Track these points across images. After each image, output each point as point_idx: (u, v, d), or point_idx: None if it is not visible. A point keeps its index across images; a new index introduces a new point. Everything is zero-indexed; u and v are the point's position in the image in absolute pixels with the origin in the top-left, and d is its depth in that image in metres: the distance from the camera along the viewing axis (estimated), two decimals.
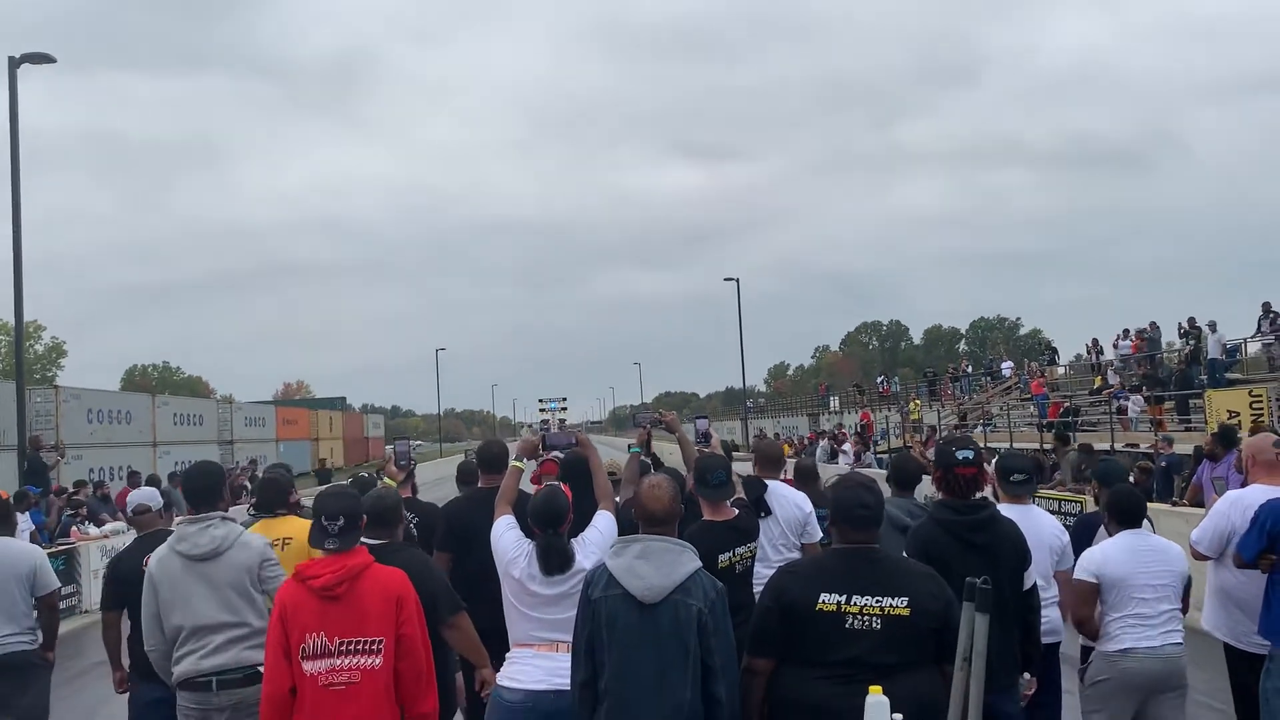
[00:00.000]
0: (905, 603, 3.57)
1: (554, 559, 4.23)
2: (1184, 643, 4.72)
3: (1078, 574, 4.77)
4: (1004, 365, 40.58)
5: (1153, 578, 4.68)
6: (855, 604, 3.57)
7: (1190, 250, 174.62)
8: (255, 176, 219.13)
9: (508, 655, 4.34)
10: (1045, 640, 4.66)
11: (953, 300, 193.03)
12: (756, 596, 5.08)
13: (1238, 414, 17.72)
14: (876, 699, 3.27)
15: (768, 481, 5.77)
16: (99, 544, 14.33)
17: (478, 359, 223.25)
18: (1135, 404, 22.96)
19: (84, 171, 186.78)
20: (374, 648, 3.86)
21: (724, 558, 4.73)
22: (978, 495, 4.48)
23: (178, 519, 4.89)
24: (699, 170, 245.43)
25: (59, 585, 6.06)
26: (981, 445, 24.81)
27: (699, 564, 3.75)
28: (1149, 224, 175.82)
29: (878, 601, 3.56)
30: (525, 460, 4.97)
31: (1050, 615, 4.77)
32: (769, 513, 5.62)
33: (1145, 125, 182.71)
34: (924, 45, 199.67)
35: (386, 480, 5.40)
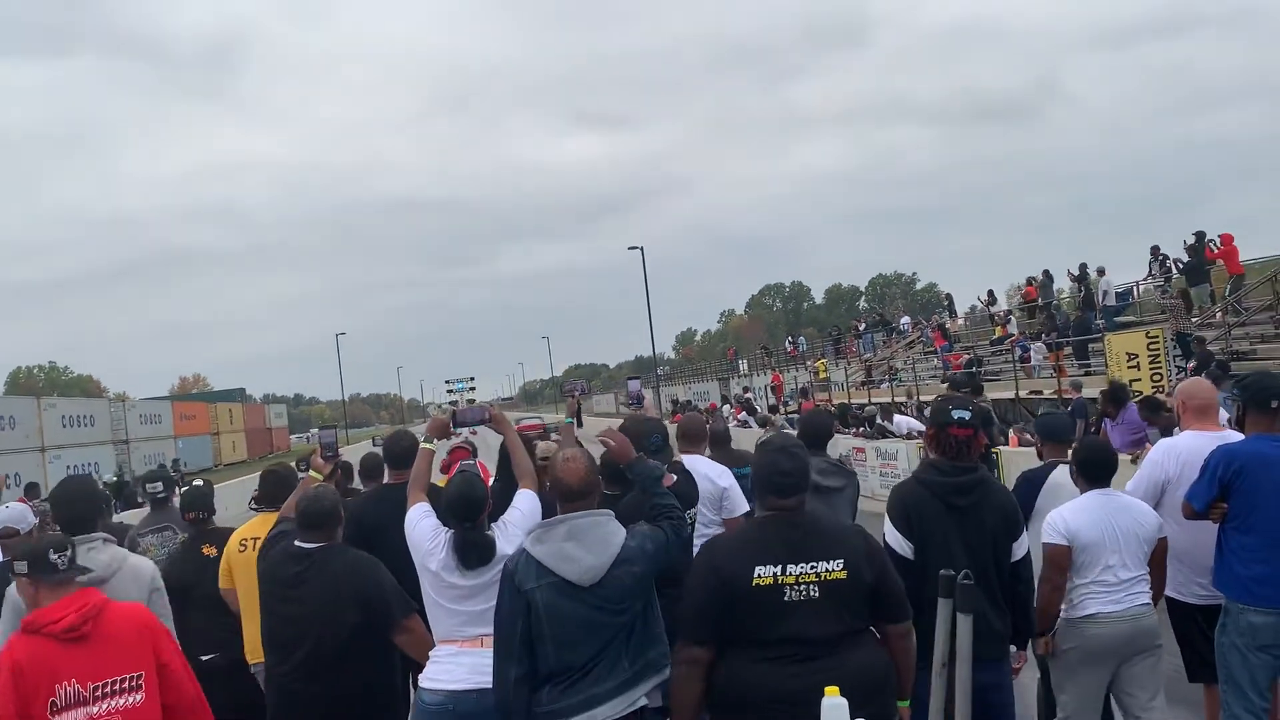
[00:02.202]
0: (841, 565, 3.42)
1: (473, 554, 3.94)
2: (1150, 603, 4.50)
3: (1048, 537, 4.49)
4: (902, 320, 41.13)
5: (1123, 541, 4.43)
6: (790, 573, 3.40)
7: (1079, 196, 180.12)
8: (136, 164, 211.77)
9: (431, 653, 4.07)
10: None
11: (851, 258, 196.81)
12: None
13: (1137, 356, 18.06)
14: (833, 701, 3.03)
15: (684, 457, 5.50)
16: None
17: (381, 341, 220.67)
18: (1038, 351, 23.43)
19: None
20: (135, 684, 3.53)
21: None
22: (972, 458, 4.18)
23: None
24: (596, 139, 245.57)
25: None
26: (889, 400, 25.32)
27: (623, 530, 3.60)
28: (1038, 173, 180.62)
29: (813, 567, 3.40)
30: (436, 441, 4.60)
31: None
32: None
33: (1031, 76, 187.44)
34: (810, 4, 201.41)
35: (313, 474, 4.97)
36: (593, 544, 3.50)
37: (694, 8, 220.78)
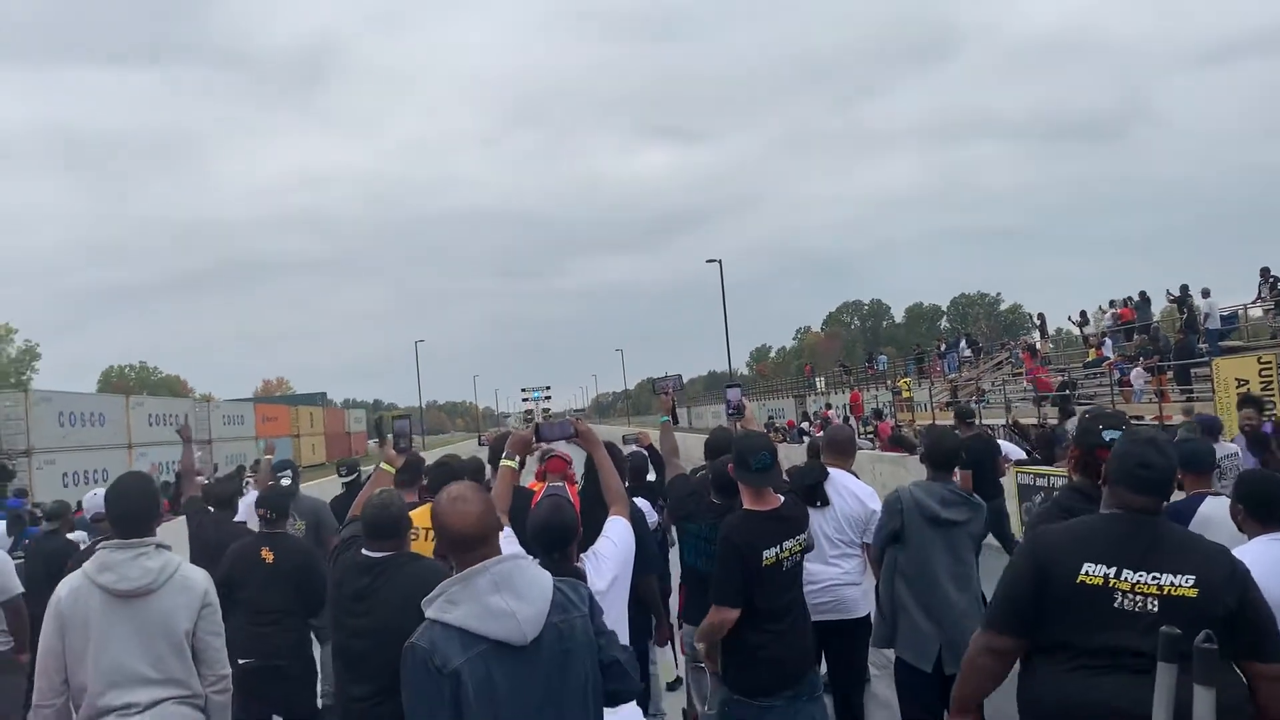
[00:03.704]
0: (1191, 582, 2.92)
1: None
2: None
3: None
4: (960, 343, 40.07)
5: None
6: (1126, 579, 2.95)
7: (1168, 219, 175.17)
8: (226, 171, 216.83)
9: None
10: None
11: (933, 277, 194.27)
12: (808, 597, 4.48)
13: (1247, 382, 17.18)
14: None
15: (831, 470, 5.11)
16: None
17: (458, 350, 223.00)
18: (1139, 375, 22.44)
19: (51, 170, 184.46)
20: None
21: (769, 554, 4.11)
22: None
23: (101, 543, 3.98)
24: (671, 153, 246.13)
25: (21, 590, 5.77)
26: (978, 421, 24.47)
27: (548, 574, 2.94)
28: (1126, 194, 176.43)
29: (1155, 579, 2.94)
30: (519, 458, 4.24)
31: None
32: (826, 503, 4.99)
33: (1118, 95, 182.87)
34: (894, 22, 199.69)
35: (385, 466, 4.68)
36: (523, 588, 2.79)
37: (769, 23, 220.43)
